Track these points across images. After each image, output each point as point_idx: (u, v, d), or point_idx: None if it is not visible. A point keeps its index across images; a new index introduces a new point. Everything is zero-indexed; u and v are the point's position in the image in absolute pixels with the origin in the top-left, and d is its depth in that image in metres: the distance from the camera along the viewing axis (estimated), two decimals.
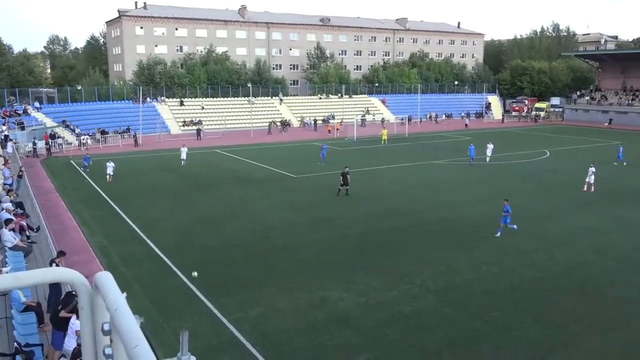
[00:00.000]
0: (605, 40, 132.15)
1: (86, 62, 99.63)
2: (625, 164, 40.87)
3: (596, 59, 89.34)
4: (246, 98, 72.55)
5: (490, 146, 43.00)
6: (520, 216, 25.90)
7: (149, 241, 21.98)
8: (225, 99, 74.10)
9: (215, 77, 76.90)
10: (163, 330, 14.04)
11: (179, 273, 18.31)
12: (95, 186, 32.87)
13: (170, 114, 67.13)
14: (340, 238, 22.63)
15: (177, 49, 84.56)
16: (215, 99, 73.65)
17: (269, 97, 77.63)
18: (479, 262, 19.53)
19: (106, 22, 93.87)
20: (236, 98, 74.68)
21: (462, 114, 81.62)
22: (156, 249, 20.97)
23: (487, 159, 42.43)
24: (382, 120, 73.56)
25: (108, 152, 45.06)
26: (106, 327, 2.53)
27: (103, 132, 54.63)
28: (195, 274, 16.22)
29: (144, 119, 57.05)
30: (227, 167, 40.20)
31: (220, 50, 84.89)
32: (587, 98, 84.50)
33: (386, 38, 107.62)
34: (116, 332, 2.39)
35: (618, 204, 28.73)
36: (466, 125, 72.97)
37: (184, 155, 39.51)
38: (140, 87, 63.83)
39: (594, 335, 14.18)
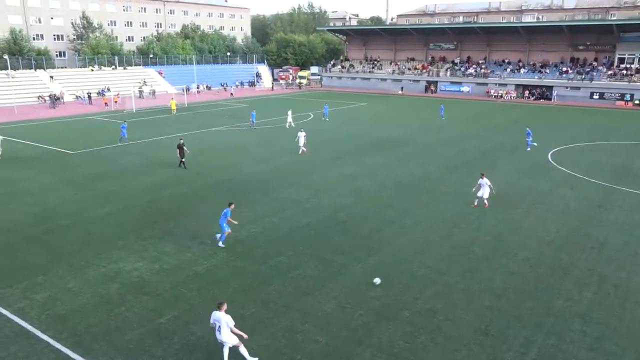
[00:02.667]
0: (350, 18, 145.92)
1: None
2: (327, 119, 47.06)
3: (344, 33, 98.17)
4: (4, 71, 61.64)
5: (290, 112, 43.97)
6: (294, 170, 27.71)
7: None
8: None
9: None
10: None
11: None
12: None
13: None
14: (128, 209, 21.24)
15: None
16: None
17: (33, 70, 67.23)
18: (262, 215, 20.41)
19: None
20: None
21: (236, 83, 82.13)
22: None
23: (290, 124, 42.67)
24: (153, 93, 69.24)
25: None
26: None
27: None
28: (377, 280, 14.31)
29: None
30: None
31: None
32: (339, 67, 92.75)
33: (157, 9, 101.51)
34: None
35: (365, 153, 32.64)
36: (231, 94, 72.71)
37: None
38: None
39: (356, 262, 16.15)
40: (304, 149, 32.17)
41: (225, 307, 10.94)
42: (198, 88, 76.56)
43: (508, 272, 15.44)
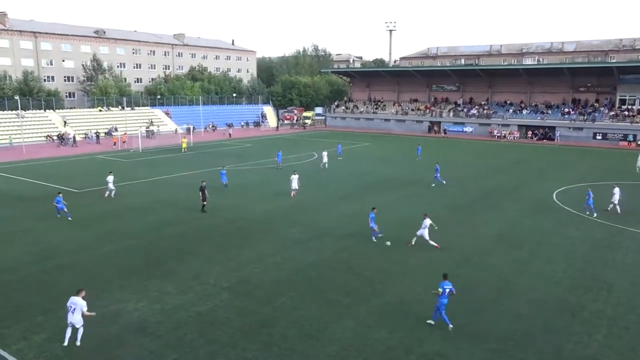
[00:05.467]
0: (353, 60, 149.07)
1: None
2: (341, 158, 48.13)
3: (348, 75, 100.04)
4: (14, 111, 62.85)
5: (325, 153, 44.30)
6: (298, 209, 27.67)
7: None
8: None
9: None
10: None
11: None
12: None
13: None
14: (131, 248, 21.17)
15: None
16: None
17: (42, 110, 68.51)
18: (264, 255, 20.25)
19: None
20: (2, 111, 64.18)
21: (242, 123, 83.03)
22: None
23: (325, 164, 42.88)
24: (153, 133, 69.88)
25: None
26: None
27: None
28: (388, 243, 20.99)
29: None
30: None
31: None
32: (342, 107, 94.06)
33: (165, 52, 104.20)
34: None
35: (370, 193, 32.63)
36: (229, 134, 72.64)
37: None
38: None
39: (361, 303, 15.90)
40: (294, 193, 31.29)
41: (83, 293, 13.35)
42: (193, 129, 75.92)
43: (515, 314, 15.14)
